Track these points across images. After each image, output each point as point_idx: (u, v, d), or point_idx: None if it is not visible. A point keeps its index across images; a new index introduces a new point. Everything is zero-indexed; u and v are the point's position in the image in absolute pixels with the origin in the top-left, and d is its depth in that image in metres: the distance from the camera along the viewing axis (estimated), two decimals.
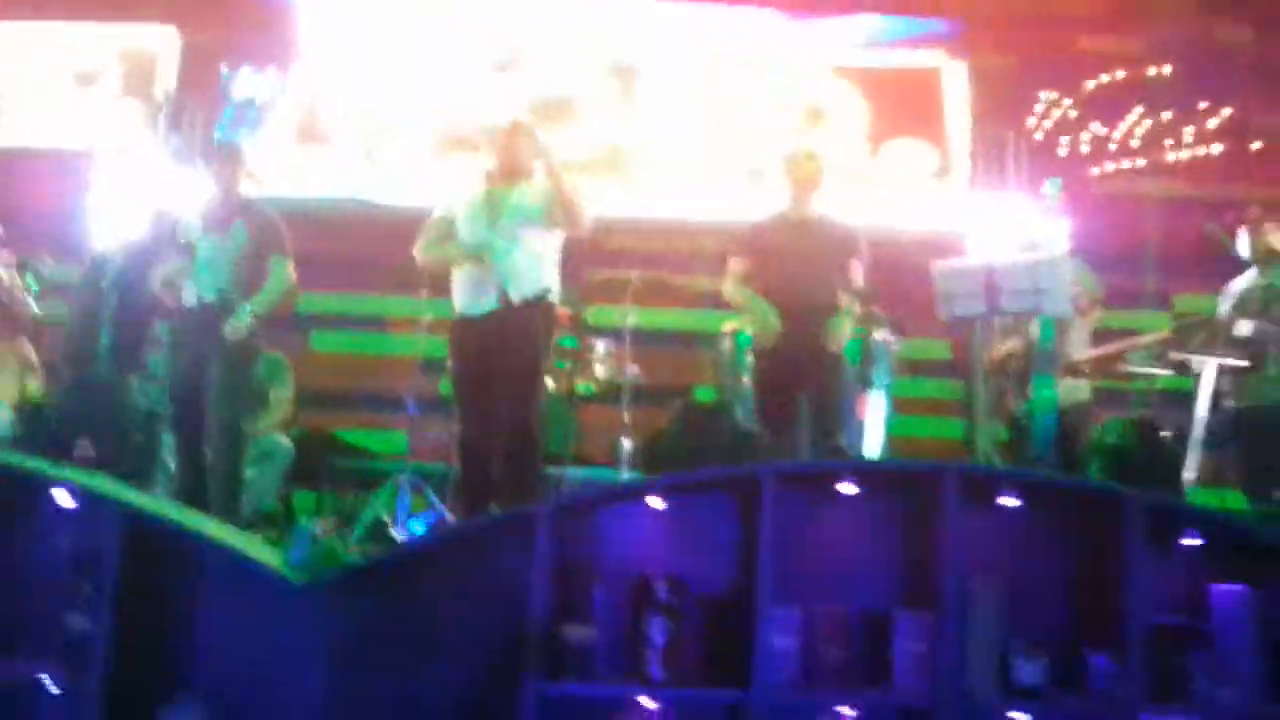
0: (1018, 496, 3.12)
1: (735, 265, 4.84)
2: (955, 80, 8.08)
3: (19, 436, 4.74)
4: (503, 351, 4.19)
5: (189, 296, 4.71)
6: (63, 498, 3.04)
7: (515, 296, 4.19)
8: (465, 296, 4.32)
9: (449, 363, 4.50)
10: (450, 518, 4.99)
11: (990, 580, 3.04)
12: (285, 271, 4.82)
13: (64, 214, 7.03)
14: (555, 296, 4.36)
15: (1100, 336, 5.63)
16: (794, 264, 4.64)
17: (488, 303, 4.22)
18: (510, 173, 4.38)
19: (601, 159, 7.61)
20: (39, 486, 3.08)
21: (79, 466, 3.26)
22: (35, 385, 5.20)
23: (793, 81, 7.98)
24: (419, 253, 4.52)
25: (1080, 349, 5.38)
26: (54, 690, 2.95)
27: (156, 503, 3.43)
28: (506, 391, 4.22)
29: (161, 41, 7.67)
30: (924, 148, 7.97)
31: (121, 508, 2.98)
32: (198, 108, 7.43)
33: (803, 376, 4.58)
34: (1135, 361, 5.36)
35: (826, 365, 4.62)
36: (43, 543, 3.16)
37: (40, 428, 3.90)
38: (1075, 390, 5.30)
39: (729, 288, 4.84)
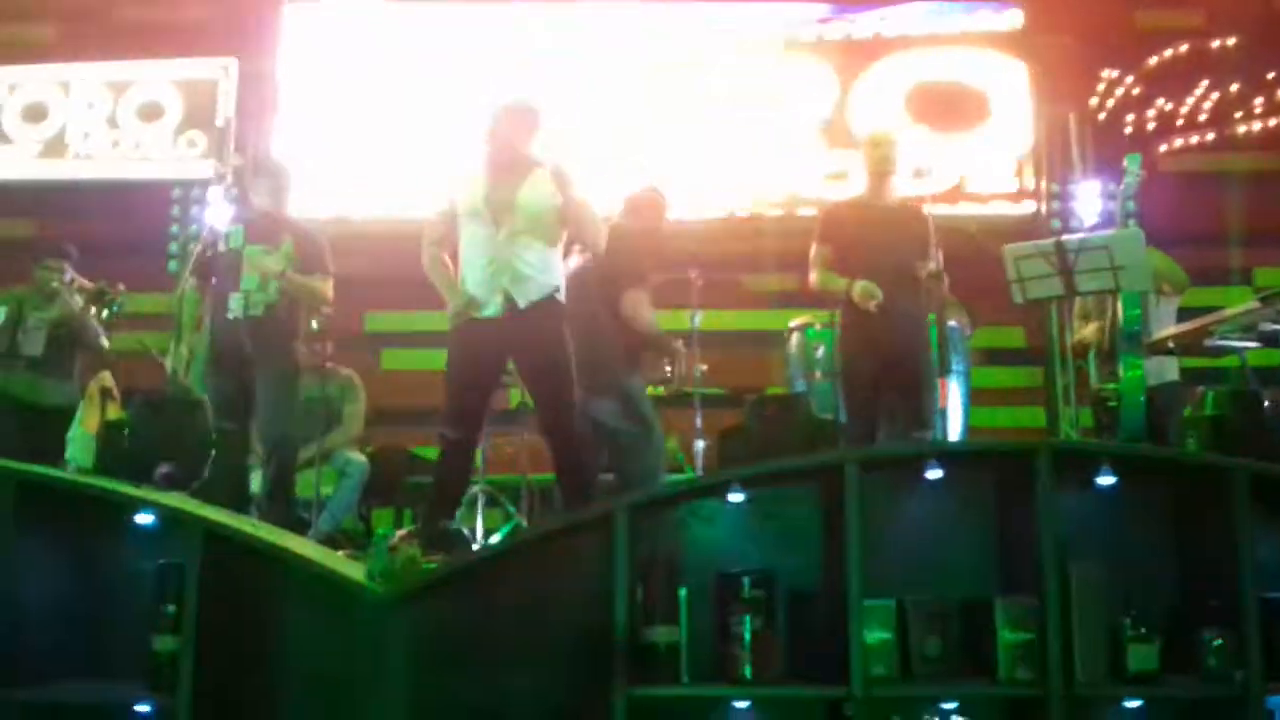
0: (1116, 473, 2.99)
1: (820, 253, 4.69)
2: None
3: (101, 464, 4.79)
4: (514, 357, 4.11)
5: (234, 307, 4.59)
6: (145, 519, 3.04)
7: (522, 301, 4.02)
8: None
9: (448, 361, 4.20)
10: (525, 526, 4.95)
11: (1093, 562, 2.91)
12: (326, 288, 4.79)
13: (138, 245, 7.19)
14: (562, 294, 4.13)
15: (1184, 316, 5.44)
16: (876, 250, 4.50)
17: (492, 308, 4.04)
18: (513, 165, 4.06)
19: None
20: (120, 509, 3.09)
21: (160, 488, 3.25)
22: (117, 414, 5.24)
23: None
24: (425, 266, 4.26)
25: (1165, 327, 5.20)
26: (143, 710, 2.95)
27: (236, 519, 3.43)
28: (536, 401, 4.14)
29: (221, 72, 7.78)
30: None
31: (203, 526, 2.98)
32: (259, 135, 7.53)
33: (890, 358, 4.45)
34: (1222, 336, 5.17)
35: (917, 347, 4.48)
36: (126, 565, 3.17)
37: (120, 452, 3.92)
38: (1163, 370, 5.13)
39: (816, 275, 4.69)
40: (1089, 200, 7.43)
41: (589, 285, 4.53)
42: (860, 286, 4.41)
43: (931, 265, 4.59)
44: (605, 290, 4.55)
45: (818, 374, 5.36)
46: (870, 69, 7.84)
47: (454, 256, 4.24)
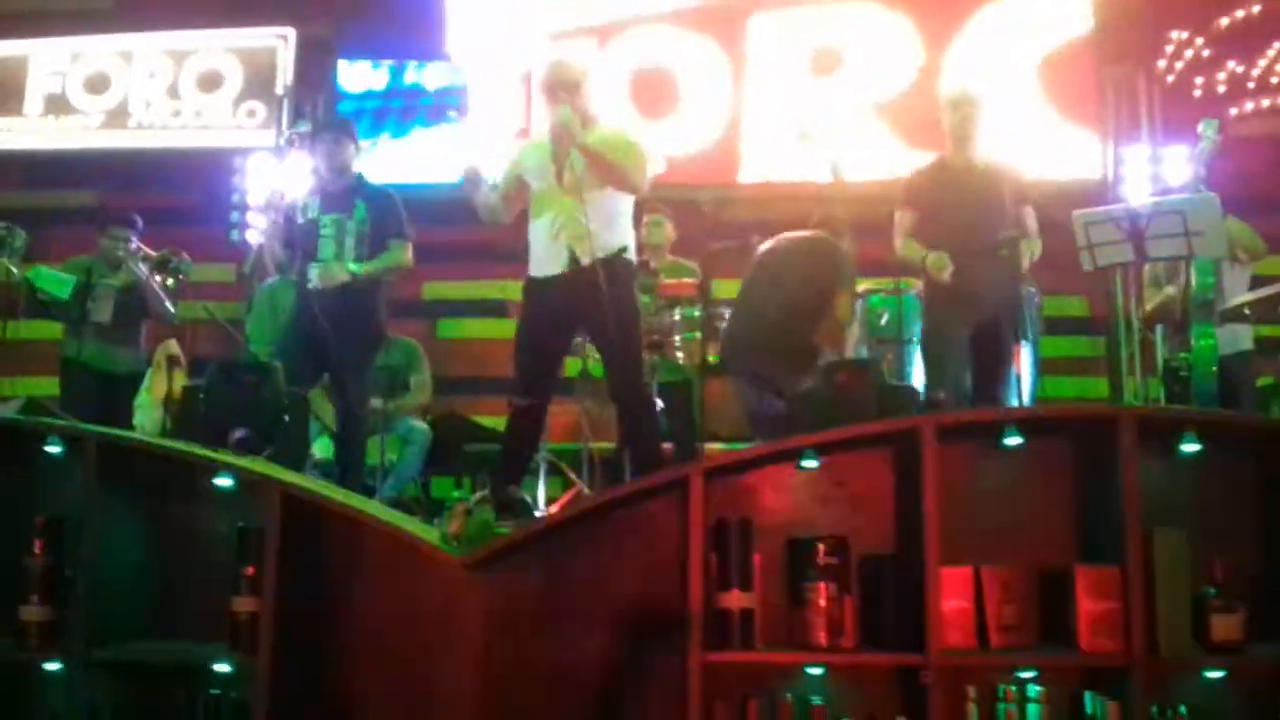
0: (1202, 440, 2.93)
1: (903, 220, 4.63)
2: None
3: (176, 429, 4.85)
4: (581, 317, 4.09)
5: (312, 277, 4.66)
6: (223, 482, 3.08)
7: (586, 258, 4.01)
8: (535, 258, 4.13)
9: (517, 327, 4.23)
10: (589, 493, 4.95)
11: (1176, 530, 2.85)
12: (404, 253, 4.80)
13: (199, 214, 7.27)
14: (631, 254, 4.15)
15: (1257, 283, 5.32)
16: (963, 211, 4.43)
17: (558, 265, 4.06)
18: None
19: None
20: (199, 472, 3.12)
21: (234, 452, 3.29)
22: (183, 380, 5.30)
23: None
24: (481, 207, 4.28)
25: (1238, 296, 5.08)
26: (223, 669, 2.99)
27: (312, 482, 3.46)
28: (605, 363, 4.12)
29: (279, 41, 7.79)
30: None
31: (281, 490, 3.00)
32: (317, 100, 7.56)
33: (980, 325, 4.39)
34: None
35: (1004, 312, 4.40)
36: (203, 528, 3.21)
37: (195, 417, 3.96)
38: (1236, 338, 5.02)
39: (899, 243, 4.64)
40: (1157, 164, 7.28)
41: (803, 281, 4.66)
42: (932, 259, 4.37)
43: (1030, 226, 4.53)
44: (816, 288, 4.66)
45: (880, 341, 5.33)
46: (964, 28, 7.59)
47: (519, 220, 4.29)
